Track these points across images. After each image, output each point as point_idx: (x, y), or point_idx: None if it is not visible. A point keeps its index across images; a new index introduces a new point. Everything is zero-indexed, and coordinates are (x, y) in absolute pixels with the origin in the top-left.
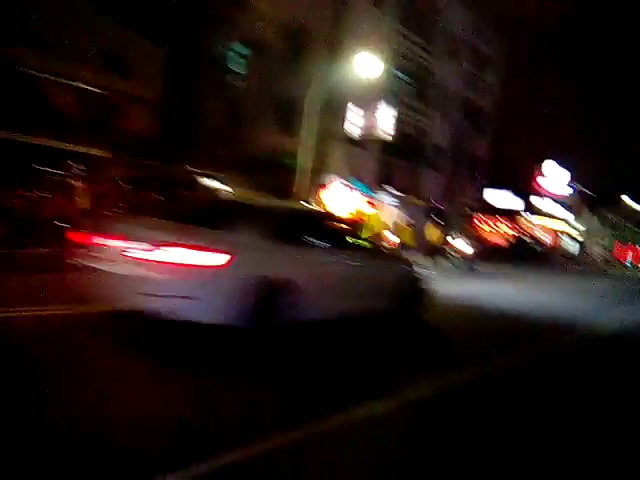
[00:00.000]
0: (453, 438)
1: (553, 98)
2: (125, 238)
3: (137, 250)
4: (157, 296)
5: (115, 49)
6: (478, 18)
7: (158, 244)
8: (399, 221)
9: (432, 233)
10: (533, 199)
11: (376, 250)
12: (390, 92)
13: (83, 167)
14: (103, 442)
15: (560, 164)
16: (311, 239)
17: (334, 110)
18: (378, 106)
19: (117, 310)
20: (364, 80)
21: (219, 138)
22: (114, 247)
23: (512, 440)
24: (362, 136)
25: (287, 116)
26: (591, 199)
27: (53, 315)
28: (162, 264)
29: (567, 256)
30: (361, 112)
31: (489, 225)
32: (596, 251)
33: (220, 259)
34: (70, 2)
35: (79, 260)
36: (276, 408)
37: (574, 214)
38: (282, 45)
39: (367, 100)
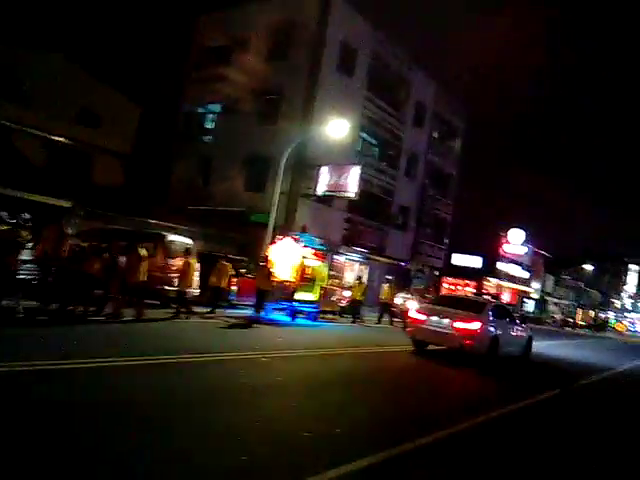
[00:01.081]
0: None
1: (515, 169)
2: (438, 315)
3: (446, 320)
4: (458, 341)
5: (90, 103)
6: (443, 89)
7: (457, 319)
8: (356, 277)
9: (384, 291)
10: (497, 262)
11: (520, 319)
12: (358, 154)
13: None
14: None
15: (521, 228)
16: (501, 316)
17: (304, 169)
18: (347, 167)
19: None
20: (334, 142)
21: (189, 193)
22: (436, 317)
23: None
24: (330, 195)
25: (257, 174)
26: (550, 263)
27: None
28: (459, 328)
29: (525, 314)
30: (331, 172)
31: (453, 285)
32: (553, 310)
33: (478, 325)
34: (47, 57)
35: (416, 325)
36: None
37: (534, 276)
38: (254, 106)
39: (336, 161)
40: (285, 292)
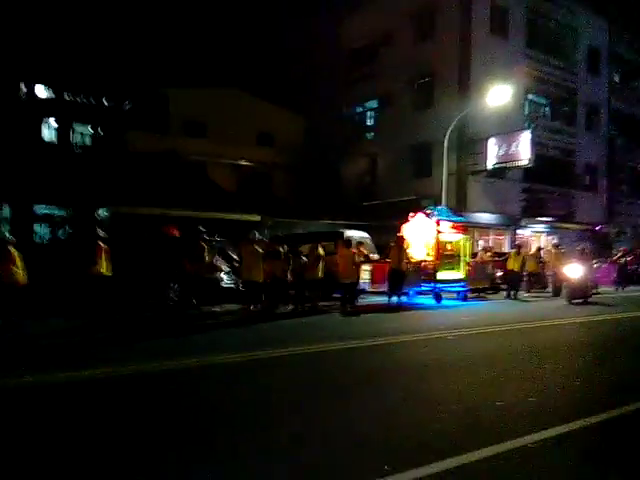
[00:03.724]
0: None
1: None
2: None
3: None
4: None
5: (264, 124)
6: (613, 26)
7: None
8: (514, 247)
9: (551, 258)
10: None
11: None
12: (527, 118)
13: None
14: None
15: None
16: None
17: (470, 146)
18: (516, 134)
19: None
20: (498, 111)
21: (359, 190)
22: None
23: None
24: (503, 167)
25: (423, 160)
26: None
27: None
28: None
29: None
30: (499, 143)
31: None
32: None
33: None
34: (225, 92)
35: None
36: None
37: None
38: (410, 94)
39: (504, 130)
40: (425, 273)
